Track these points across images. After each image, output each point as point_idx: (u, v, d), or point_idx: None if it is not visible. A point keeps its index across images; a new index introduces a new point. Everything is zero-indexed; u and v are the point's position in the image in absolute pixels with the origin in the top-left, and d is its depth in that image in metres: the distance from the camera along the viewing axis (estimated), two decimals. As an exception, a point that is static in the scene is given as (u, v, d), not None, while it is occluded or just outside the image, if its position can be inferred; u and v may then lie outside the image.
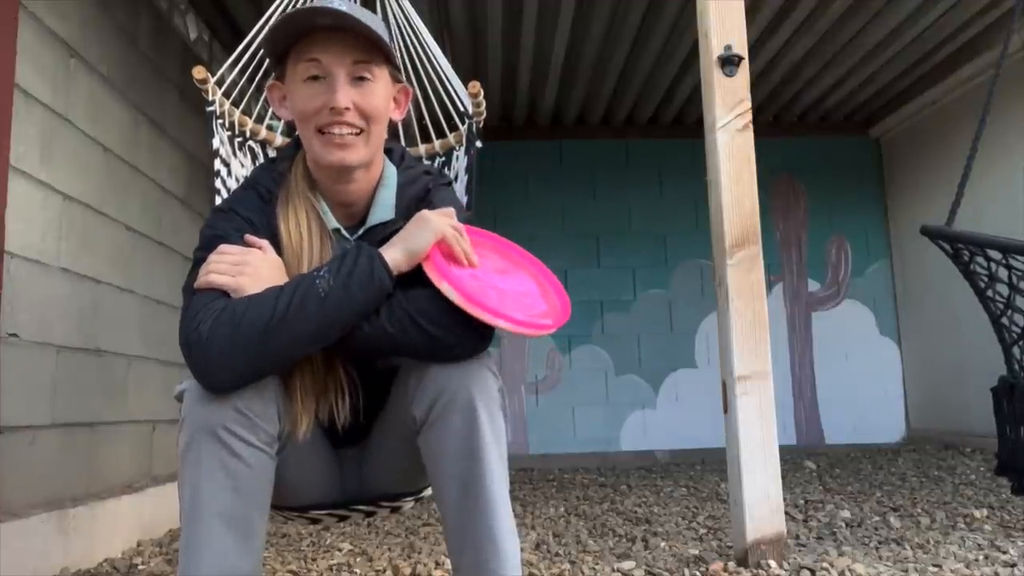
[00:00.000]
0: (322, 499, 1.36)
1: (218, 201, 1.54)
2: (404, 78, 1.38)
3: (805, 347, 5.63)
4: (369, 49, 1.22)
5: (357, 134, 1.22)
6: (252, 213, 1.24)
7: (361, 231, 1.28)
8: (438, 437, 1.15)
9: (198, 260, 1.19)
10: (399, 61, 1.50)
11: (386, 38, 1.26)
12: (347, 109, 1.20)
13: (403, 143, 1.77)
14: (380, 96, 1.25)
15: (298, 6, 2.09)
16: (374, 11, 1.54)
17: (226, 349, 1.07)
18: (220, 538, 1.07)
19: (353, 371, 1.26)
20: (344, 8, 1.18)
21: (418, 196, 1.32)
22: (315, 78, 1.22)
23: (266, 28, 2.03)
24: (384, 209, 1.29)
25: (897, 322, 5.70)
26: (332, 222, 1.27)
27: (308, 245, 1.22)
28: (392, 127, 1.33)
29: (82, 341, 2.52)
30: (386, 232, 1.26)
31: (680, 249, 5.59)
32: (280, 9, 2.11)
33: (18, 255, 2.18)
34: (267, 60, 2.12)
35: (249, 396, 1.09)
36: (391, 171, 1.33)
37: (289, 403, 1.17)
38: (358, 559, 2.31)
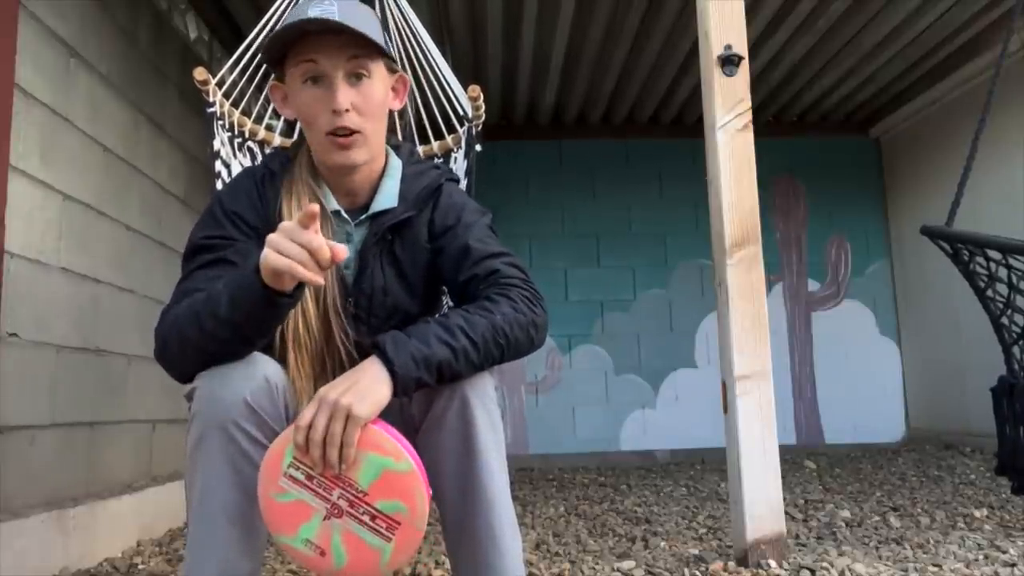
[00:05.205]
0: None
1: None
2: (400, 67, 1.40)
3: (805, 347, 5.62)
4: (363, 44, 1.24)
5: (358, 134, 1.25)
6: (242, 203, 1.28)
7: (363, 217, 1.32)
8: (436, 436, 1.16)
9: (185, 269, 1.24)
10: (394, 52, 1.50)
11: (378, 31, 1.28)
12: (347, 111, 1.23)
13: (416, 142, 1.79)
14: (378, 92, 1.28)
15: (297, 6, 2.09)
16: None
17: (177, 359, 1.14)
18: (227, 537, 1.08)
19: (352, 349, 1.28)
20: (333, 14, 1.19)
21: (429, 187, 1.35)
22: (315, 80, 1.24)
23: (261, 39, 2.05)
24: (388, 198, 1.32)
25: (897, 322, 5.69)
26: (333, 204, 1.31)
27: None
28: (391, 125, 1.35)
29: (82, 341, 2.52)
30: (389, 220, 1.30)
31: (680, 249, 5.58)
32: (281, 9, 2.11)
33: (18, 255, 2.18)
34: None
35: (259, 393, 1.10)
36: (396, 162, 1.37)
37: (291, 387, 1.19)
38: (358, 559, 2.31)
